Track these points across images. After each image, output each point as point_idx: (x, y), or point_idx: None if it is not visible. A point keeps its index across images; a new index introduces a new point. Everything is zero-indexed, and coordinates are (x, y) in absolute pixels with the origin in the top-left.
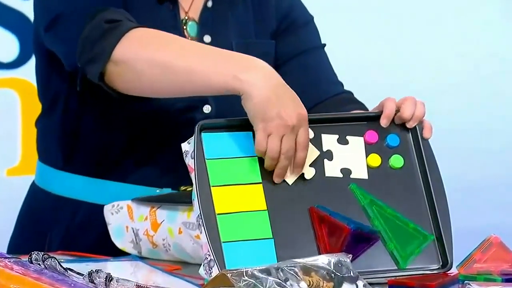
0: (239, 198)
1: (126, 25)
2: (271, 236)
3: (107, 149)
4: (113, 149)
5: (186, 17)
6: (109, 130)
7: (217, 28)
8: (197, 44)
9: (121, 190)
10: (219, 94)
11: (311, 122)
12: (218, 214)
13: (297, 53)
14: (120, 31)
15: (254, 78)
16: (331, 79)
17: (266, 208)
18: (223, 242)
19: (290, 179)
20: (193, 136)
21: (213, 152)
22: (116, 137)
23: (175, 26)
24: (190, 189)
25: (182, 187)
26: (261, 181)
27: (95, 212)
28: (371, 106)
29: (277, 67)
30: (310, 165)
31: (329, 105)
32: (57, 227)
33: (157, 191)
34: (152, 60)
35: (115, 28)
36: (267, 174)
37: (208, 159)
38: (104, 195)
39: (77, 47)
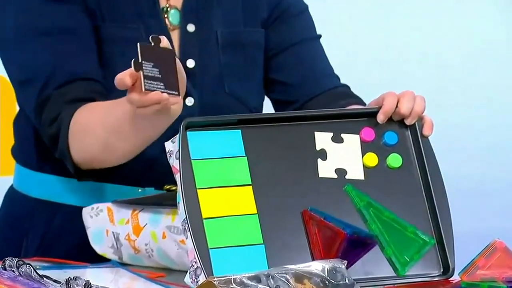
0: (227, 201)
1: (64, 128)
2: (262, 242)
3: None
4: None
5: (168, 5)
6: None
7: (202, 16)
8: (113, 122)
9: (101, 191)
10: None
11: (303, 119)
12: (205, 218)
13: (290, 44)
14: (63, 140)
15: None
16: (326, 72)
17: (256, 212)
18: (211, 248)
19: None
20: (178, 135)
21: (199, 152)
22: None
23: (154, 14)
24: (175, 188)
25: (166, 186)
26: (250, 183)
27: (74, 216)
28: (368, 101)
29: (268, 58)
30: (304, 163)
31: (325, 99)
32: (34, 232)
33: (139, 190)
34: (95, 151)
35: (57, 134)
36: (257, 176)
37: (194, 159)
38: (83, 196)
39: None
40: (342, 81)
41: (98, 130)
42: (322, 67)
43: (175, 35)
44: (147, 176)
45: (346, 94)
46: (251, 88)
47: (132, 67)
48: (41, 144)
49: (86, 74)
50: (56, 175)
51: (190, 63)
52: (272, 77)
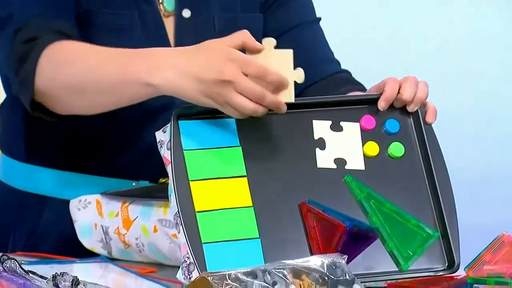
0: (221, 193)
1: (39, 47)
2: (258, 236)
3: (76, 137)
4: (82, 137)
5: None
6: (79, 117)
7: (198, 1)
8: (104, 55)
9: (92, 184)
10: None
11: (301, 106)
12: (198, 211)
13: (289, 28)
14: (34, 57)
15: (164, 77)
16: (327, 56)
17: (251, 205)
18: (204, 243)
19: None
20: (169, 124)
21: (191, 142)
22: (86, 125)
23: (148, 0)
24: None
25: (161, 179)
26: (246, 174)
27: (64, 210)
28: (368, 87)
29: None
30: (301, 153)
31: (325, 85)
32: (22, 226)
33: (133, 184)
34: (65, 86)
35: (29, 52)
36: (252, 166)
37: (186, 150)
38: (73, 189)
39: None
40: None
41: (81, 66)
42: (322, 51)
43: (170, 21)
44: (141, 169)
45: (347, 80)
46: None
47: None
48: (29, 134)
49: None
50: (44, 166)
51: (187, 12)
52: None
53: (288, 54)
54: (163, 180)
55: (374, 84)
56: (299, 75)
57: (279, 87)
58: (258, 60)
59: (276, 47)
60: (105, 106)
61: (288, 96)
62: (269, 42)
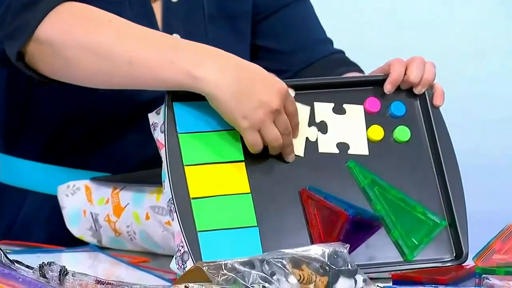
0: (218, 179)
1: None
2: (255, 224)
3: (62, 130)
4: (69, 130)
5: None
6: (65, 106)
7: None
8: (141, 28)
9: (78, 178)
10: (173, 90)
11: (301, 88)
12: (193, 198)
13: (279, 7)
14: (49, 2)
15: (211, 74)
16: (320, 37)
17: (249, 191)
18: (199, 231)
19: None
20: (163, 106)
21: (186, 125)
22: (72, 115)
23: None
24: None
25: None
26: (243, 158)
27: (46, 204)
28: (368, 70)
29: (256, 23)
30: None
31: (320, 67)
32: (0, 221)
33: None
34: (85, 43)
35: (36, 2)
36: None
37: (180, 133)
38: (57, 183)
39: None
40: (340, 47)
41: (93, 36)
42: (315, 31)
43: (157, 6)
44: (130, 163)
45: (343, 61)
46: None
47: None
48: (10, 124)
49: None
50: (26, 159)
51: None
52: (260, 43)
53: (305, 110)
54: None
55: (378, 67)
56: (313, 133)
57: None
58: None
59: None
60: (106, 84)
61: (298, 149)
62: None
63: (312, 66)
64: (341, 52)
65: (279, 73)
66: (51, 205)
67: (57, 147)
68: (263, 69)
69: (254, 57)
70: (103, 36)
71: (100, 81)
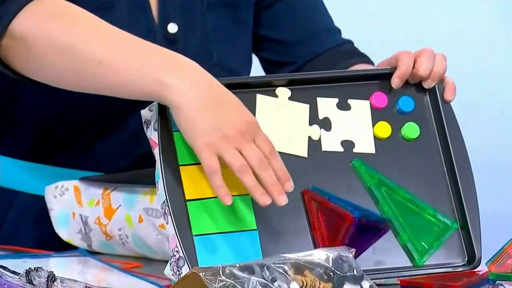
0: None
1: None
2: (255, 227)
3: (48, 127)
4: (55, 127)
5: None
6: (53, 104)
7: None
8: (118, 31)
9: (67, 178)
10: (135, 99)
11: (303, 82)
12: (188, 200)
13: None
14: (17, 2)
15: (181, 83)
16: (327, 26)
17: (248, 192)
18: (195, 235)
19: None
20: (156, 102)
21: None
22: (59, 113)
23: None
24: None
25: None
26: None
27: (34, 205)
28: (377, 61)
29: (259, 11)
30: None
31: (327, 60)
32: None
33: None
34: (58, 40)
35: None
36: None
37: (175, 131)
38: (45, 183)
39: None
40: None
41: (83, 29)
42: (322, 20)
43: None
44: (120, 163)
45: (352, 53)
46: (241, 56)
47: None
48: None
49: None
50: (13, 157)
51: (172, 28)
52: (263, 33)
53: (304, 108)
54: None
55: (384, 59)
56: (315, 132)
57: (279, 176)
58: (274, 111)
59: (291, 98)
60: (76, 86)
61: (302, 150)
62: (284, 92)
63: (319, 58)
64: (350, 42)
65: (284, 66)
66: (40, 206)
67: (45, 146)
68: (236, 98)
69: (257, 48)
70: (76, 35)
71: (68, 82)
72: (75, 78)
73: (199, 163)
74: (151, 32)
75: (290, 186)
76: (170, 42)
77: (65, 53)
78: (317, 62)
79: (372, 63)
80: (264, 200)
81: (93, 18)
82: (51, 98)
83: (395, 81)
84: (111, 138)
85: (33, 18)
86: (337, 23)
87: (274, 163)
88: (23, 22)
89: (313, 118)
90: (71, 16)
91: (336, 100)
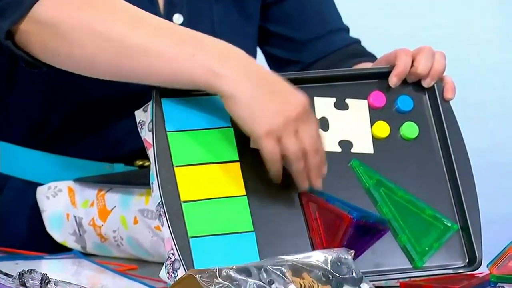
0: (211, 181)
1: None
2: (252, 229)
3: (46, 112)
4: (54, 112)
5: None
6: (51, 89)
7: None
8: (162, 20)
9: (61, 165)
10: (179, 88)
11: (300, 81)
12: (184, 201)
13: None
14: None
15: (233, 72)
16: (336, 26)
17: (245, 193)
18: (191, 237)
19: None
20: (150, 102)
21: (176, 123)
22: (58, 98)
23: None
24: (148, 163)
25: (138, 161)
26: (238, 158)
27: (27, 192)
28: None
29: (268, 6)
30: None
31: (333, 61)
32: None
33: (107, 167)
34: (92, 27)
35: None
36: (246, 150)
37: (170, 131)
38: (38, 170)
39: None
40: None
41: (107, 20)
42: (331, 19)
43: None
44: (117, 151)
45: (358, 53)
46: (245, 49)
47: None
48: None
49: None
50: (4, 141)
51: (178, 18)
52: (272, 29)
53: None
54: (140, 163)
55: (383, 55)
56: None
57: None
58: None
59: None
60: (116, 76)
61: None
62: None
63: (328, 58)
64: (357, 42)
65: (290, 64)
66: (34, 196)
67: (43, 131)
68: (285, 81)
69: (265, 42)
70: (115, 22)
71: (103, 70)
72: (113, 67)
73: (195, 164)
74: None
75: (326, 169)
76: None
77: (103, 41)
78: (325, 62)
79: None
80: (306, 184)
81: (130, 6)
82: (49, 83)
83: (393, 80)
84: (111, 126)
85: (65, 3)
86: (345, 19)
87: (321, 144)
88: (51, 8)
89: None
90: (107, 3)
91: (333, 99)
